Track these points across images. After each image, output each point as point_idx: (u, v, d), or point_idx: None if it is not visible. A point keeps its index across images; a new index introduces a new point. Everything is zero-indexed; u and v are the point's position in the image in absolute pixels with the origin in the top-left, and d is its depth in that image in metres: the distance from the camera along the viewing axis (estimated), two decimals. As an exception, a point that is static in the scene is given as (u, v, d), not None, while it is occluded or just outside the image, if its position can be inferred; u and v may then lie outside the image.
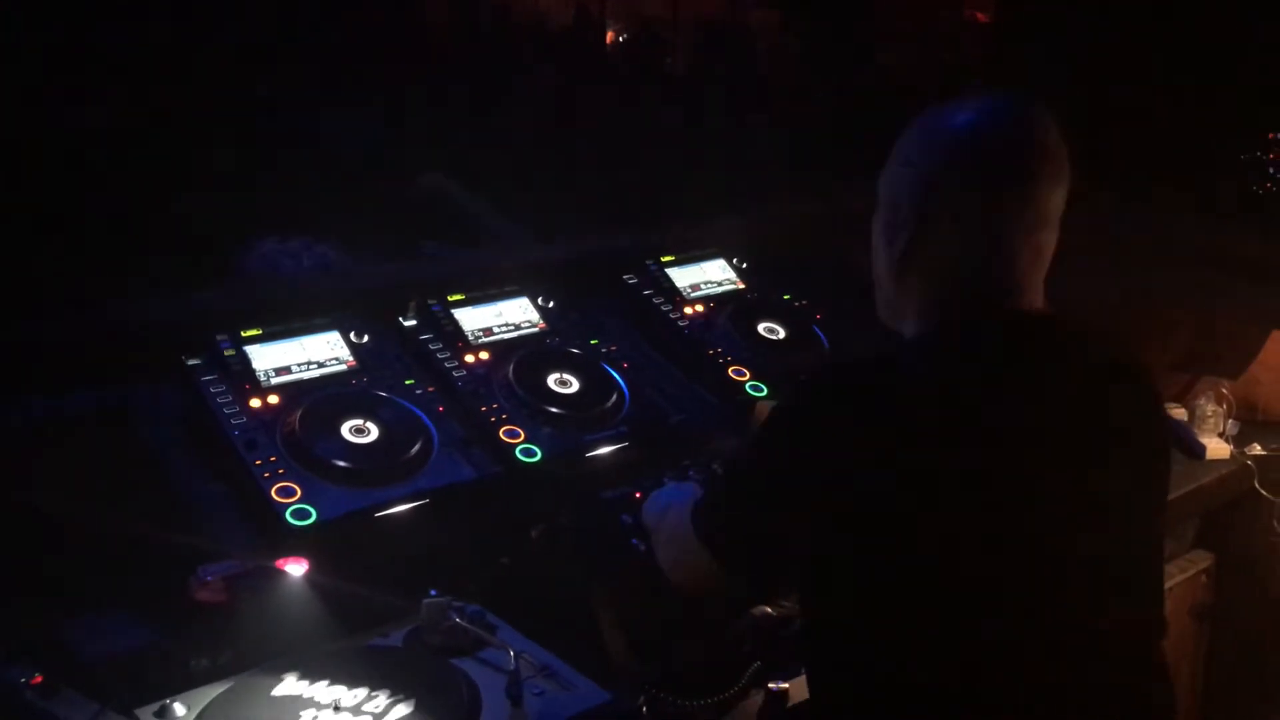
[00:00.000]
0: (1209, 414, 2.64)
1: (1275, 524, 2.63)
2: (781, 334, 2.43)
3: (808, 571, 1.45)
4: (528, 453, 1.98)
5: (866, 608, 1.37)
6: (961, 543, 1.33)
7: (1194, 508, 2.59)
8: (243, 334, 2.02)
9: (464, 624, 1.66)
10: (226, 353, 1.99)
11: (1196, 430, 2.64)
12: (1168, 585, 2.57)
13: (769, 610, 1.87)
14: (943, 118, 1.42)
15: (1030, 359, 1.40)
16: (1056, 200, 1.40)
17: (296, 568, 1.66)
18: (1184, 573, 2.64)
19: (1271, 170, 3.26)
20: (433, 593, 1.69)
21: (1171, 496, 2.41)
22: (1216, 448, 2.61)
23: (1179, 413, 2.72)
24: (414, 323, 2.18)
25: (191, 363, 1.96)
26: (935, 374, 1.38)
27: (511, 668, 1.56)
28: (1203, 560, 2.70)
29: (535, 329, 2.26)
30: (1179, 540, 2.69)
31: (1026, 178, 1.37)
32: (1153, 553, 1.49)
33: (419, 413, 1.99)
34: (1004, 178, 1.38)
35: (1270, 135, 3.34)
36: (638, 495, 1.91)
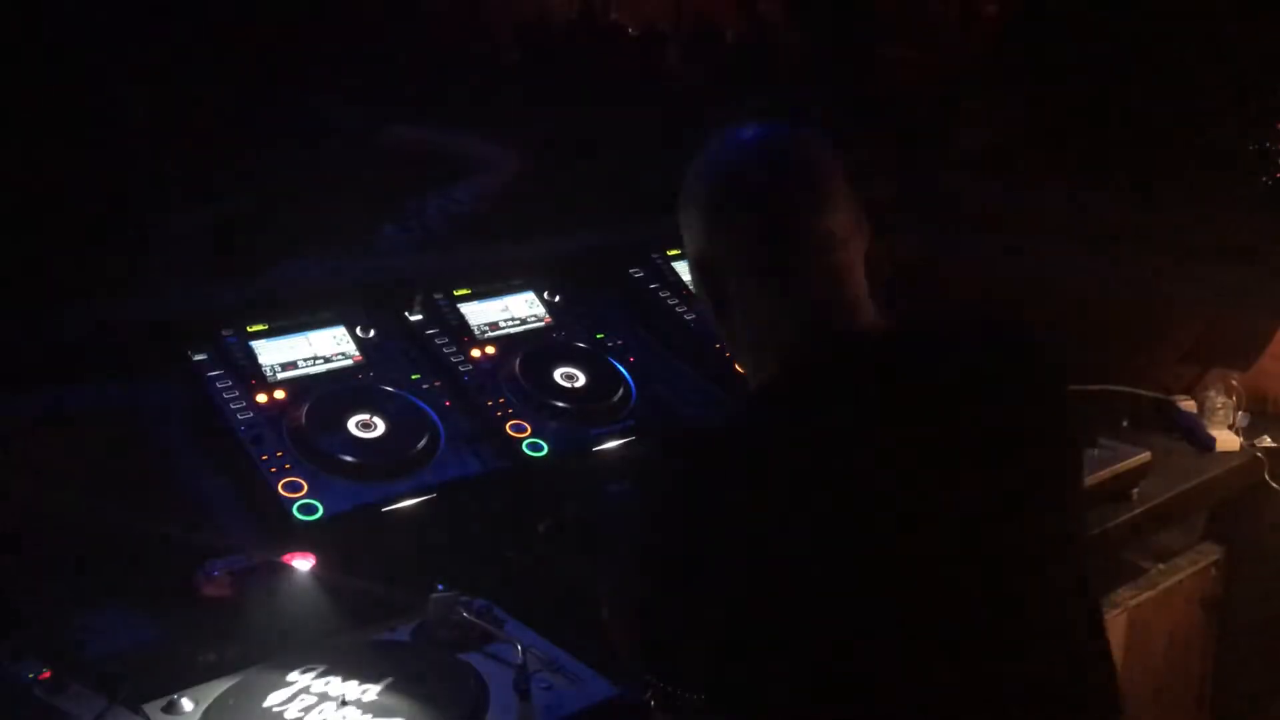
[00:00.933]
0: (1218, 406, 2.63)
1: (1286, 516, 2.62)
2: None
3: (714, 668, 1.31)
4: (534, 447, 1.97)
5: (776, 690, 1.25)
6: (865, 610, 1.22)
7: (1203, 500, 2.58)
8: (249, 329, 2.03)
9: (471, 618, 1.66)
10: (232, 348, 1.99)
11: (1206, 423, 2.63)
12: (1178, 578, 2.56)
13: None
14: (701, 177, 1.39)
15: (874, 380, 1.30)
16: (838, 216, 1.34)
17: (303, 562, 1.65)
18: (1193, 565, 2.63)
19: (1279, 161, 3.25)
20: (440, 587, 1.69)
21: (1181, 490, 2.44)
22: (1226, 440, 2.59)
23: (1189, 405, 2.70)
24: (420, 317, 2.18)
25: (197, 358, 1.96)
26: (784, 427, 1.28)
27: (519, 662, 1.55)
28: (1212, 553, 2.68)
29: (541, 323, 2.26)
30: (1188, 533, 2.68)
31: (794, 209, 1.33)
32: (1063, 544, 1.36)
33: (425, 407, 1.99)
34: (773, 218, 1.33)
35: (1279, 125, 3.33)
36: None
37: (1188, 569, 2.62)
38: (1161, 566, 2.57)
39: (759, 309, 1.36)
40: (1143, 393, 2.68)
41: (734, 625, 1.24)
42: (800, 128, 1.38)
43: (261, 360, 1.99)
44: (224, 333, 2.00)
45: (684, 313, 2.39)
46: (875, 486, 1.23)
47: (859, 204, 1.38)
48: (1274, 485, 2.59)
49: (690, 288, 2.45)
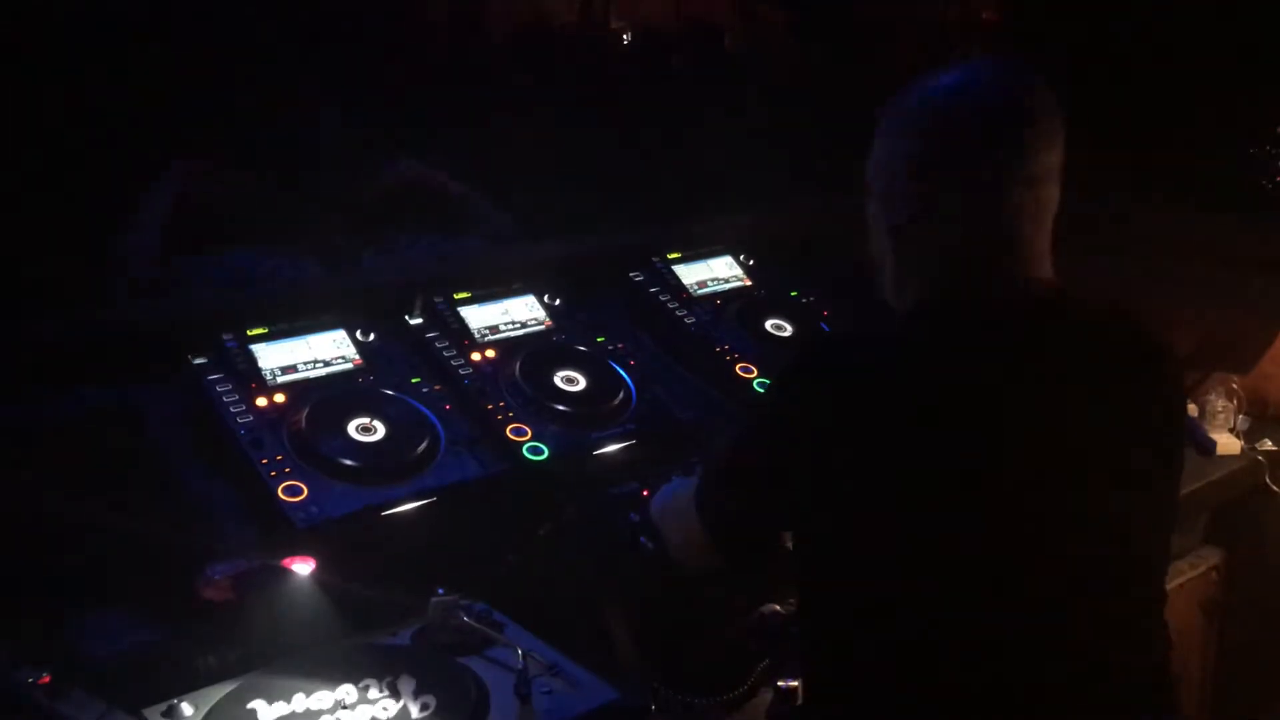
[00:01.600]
0: (1219, 409, 2.63)
1: (1286, 520, 2.62)
2: (789, 330, 2.43)
3: (799, 552, 1.46)
4: (535, 450, 1.97)
5: (856, 590, 1.37)
6: (952, 528, 1.32)
7: (1204, 504, 2.58)
8: (249, 333, 2.02)
9: (472, 622, 1.65)
10: (232, 352, 1.98)
11: (1207, 426, 2.63)
12: (1178, 582, 2.56)
13: (777, 608, 1.87)
14: (924, 90, 1.41)
15: (1033, 333, 1.38)
16: (1050, 159, 1.38)
17: (303, 566, 1.65)
18: (1194, 569, 2.63)
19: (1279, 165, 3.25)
20: (440, 591, 1.68)
21: (1181, 492, 2.43)
22: (1227, 443, 2.59)
23: (1189, 409, 2.70)
24: (420, 321, 2.18)
25: (197, 362, 1.96)
26: (934, 348, 1.36)
27: (520, 666, 1.55)
28: (1213, 556, 2.68)
29: (541, 327, 2.26)
30: (1188, 536, 2.68)
31: (1012, 140, 1.36)
32: (1158, 540, 1.47)
33: (425, 411, 1.99)
34: (987, 143, 1.37)
35: (1278, 130, 3.33)
36: (645, 493, 1.90)
37: (1188, 572, 2.62)
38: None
39: (953, 223, 1.38)
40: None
41: (837, 504, 1.34)
42: (1031, 72, 1.40)
43: (261, 364, 1.99)
44: (224, 336, 2.00)
45: (684, 316, 2.39)
46: (1001, 441, 1.32)
47: (1062, 158, 1.41)
48: (1275, 489, 2.59)
49: (693, 287, 2.47)
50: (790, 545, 1.54)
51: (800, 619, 1.53)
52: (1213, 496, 2.57)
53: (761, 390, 2.23)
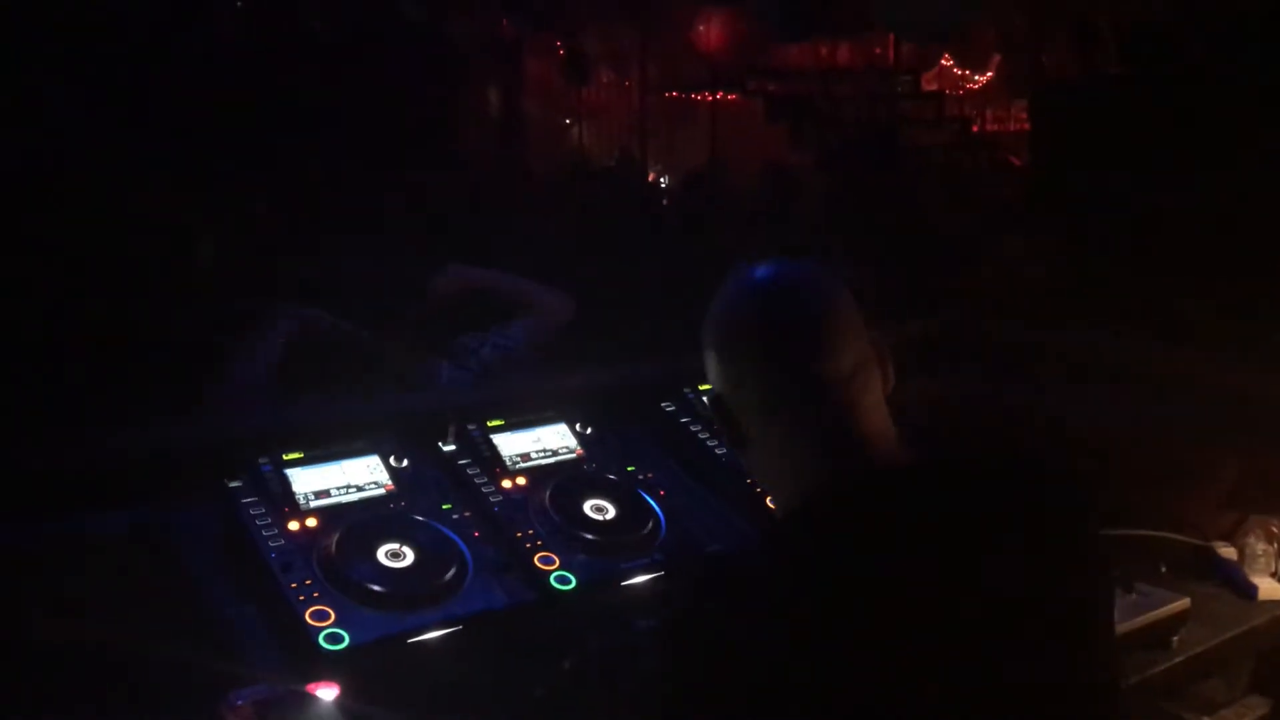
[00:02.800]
0: (1259, 553, 2.58)
1: (1334, 669, 2.54)
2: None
3: None
4: (562, 580, 1.96)
5: None
6: None
7: (1246, 650, 2.51)
8: (284, 456, 2.05)
9: (494, 755, 1.63)
10: (267, 475, 2.01)
11: (1247, 570, 2.57)
12: (1224, 732, 2.48)
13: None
14: (712, 321, 1.45)
15: (892, 517, 1.30)
16: (846, 352, 1.38)
17: (328, 692, 1.64)
18: (1239, 719, 2.54)
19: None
20: (463, 722, 1.67)
21: (1223, 639, 2.38)
22: (1269, 588, 2.53)
23: (1228, 552, 2.65)
24: (453, 447, 2.20)
25: (233, 485, 1.98)
26: (804, 560, 1.30)
27: (541, 801, 1.52)
28: (1259, 706, 2.59)
29: (573, 455, 2.27)
30: (1232, 686, 2.60)
31: (797, 351, 1.37)
32: (1091, 692, 1.35)
33: (455, 538, 1.99)
34: (776, 360, 1.38)
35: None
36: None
37: (1234, 722, 2.54)
38: (1206, 719, 2.49)
39: (774, 448, 1.41)
40: (1181, 538, 2.64)
41: None
42: (806, 265, 1.42)
43: (295, 488, 2.01)
44: (260, 460, 2.03)
45: (715, 446, 2.40)
46: (892, 623, 1.24)
47: (869, 339, 1.41)
48: (1321, 635, 2.53)
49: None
50: None
51: None
52: (1255, 643, 2.50)
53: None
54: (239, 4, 7.72)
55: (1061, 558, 1.35)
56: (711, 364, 1.46)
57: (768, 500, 1.51)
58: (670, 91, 12.39)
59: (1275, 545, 2.60)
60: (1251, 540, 2.60)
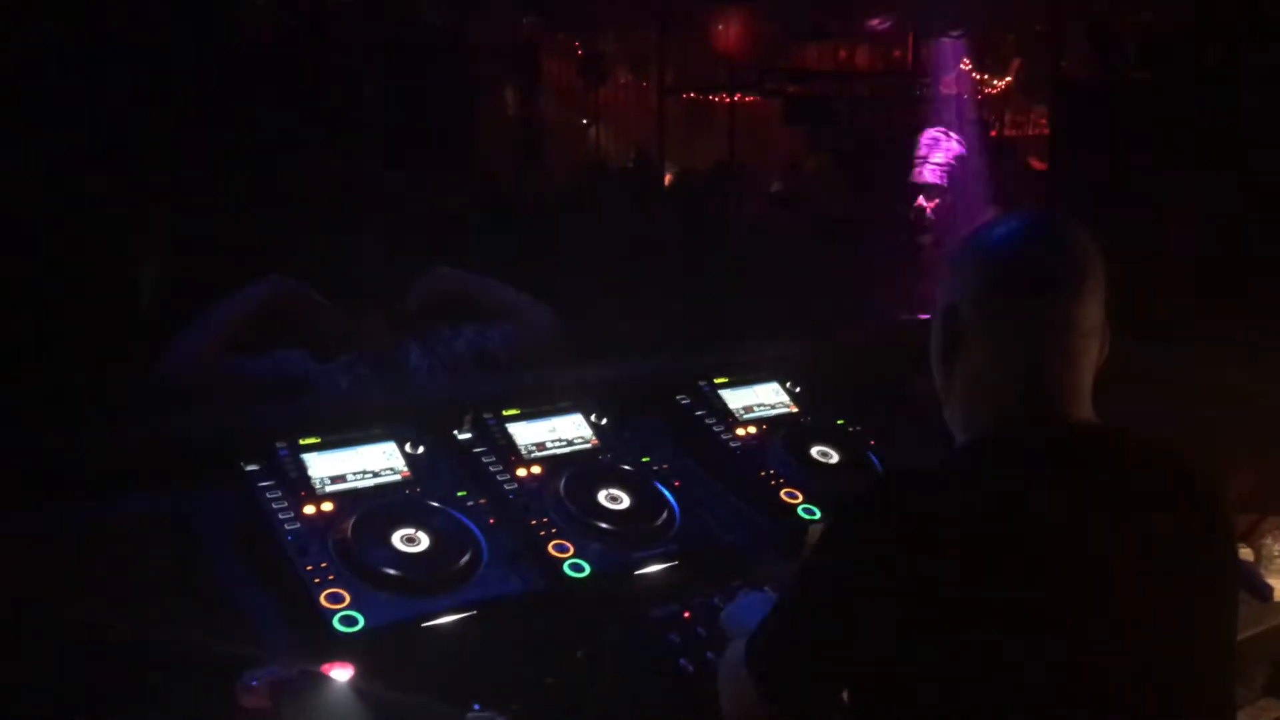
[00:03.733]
0: (1276, 554, 2.57)
1: (1351, 671, 2.52)
2: (835, 458, 2.42)
3: (856, 699, 1.43)
4: (576, 568, 1.97)
5: None
6: (1001, 669, 1.31)
7: (1262, 652, 2.50)
8: (301, 442, 2.06)
9: (506, 740, 1.63)
10: (284, 459, 2.02)
11: (1263, 570, 2.56)
12: (1238, 735, 2.47)
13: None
14: (978, 237, 1.50)
15: (1069, 471, 1.40)
16: (1088, 309, 1.43)
17: (342, 672, 1.65)
18: (1255, 721, 2.53)
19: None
20: (475, 707, 1.67)
21: (1238, 639, 2.36)
22: (1285, 589, 2.52)
23: (1245, 553, 2.64)
24: (468, 436, 2.21)
25: (249, 469, 2.00)
26: (974, 489, 1.38)
27: (553, 785, 1.52)
28: (1275, 708, 2.58)
29: (588, 445, 2.28)
30: (1248, 687, 2.59)
31: (1051, 287, 1.42)
32: (1219, 679, 1.46)
33: (470, 524, 2.00)
34: (1030, 289, 1.42)
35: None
36: (686, 615, 1.89)
37: (1249, 724, 2.52)
38: (1220, 721, 2.47)
39: (989, 367, 1.45)
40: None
41: (899, 647, 1.33)
42: (1079, 225, 1.47)
43: (311, 473, 2.02)
44: (277, 445, 2.04)
45: (729, 440, 2.40)
46: (1043, 580, 1.32)
47: (1107, 307, 1.46)
48: (1337, 638, 2.51)
49: (739, 412, 2.48)
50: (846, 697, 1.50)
51: None
52: (1272, 645, 2.49)
53: (807, 515, 2.22)
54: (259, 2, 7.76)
55: (1209, 525, 1.46)
56: (962, 273, 1.48)
57: (946, 415, 1.53)
58: (688, 93, 12.39)
59: (1292, 546, 2.59)
60: (1268, 541, 2.59)
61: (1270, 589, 2.53)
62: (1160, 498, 1.43)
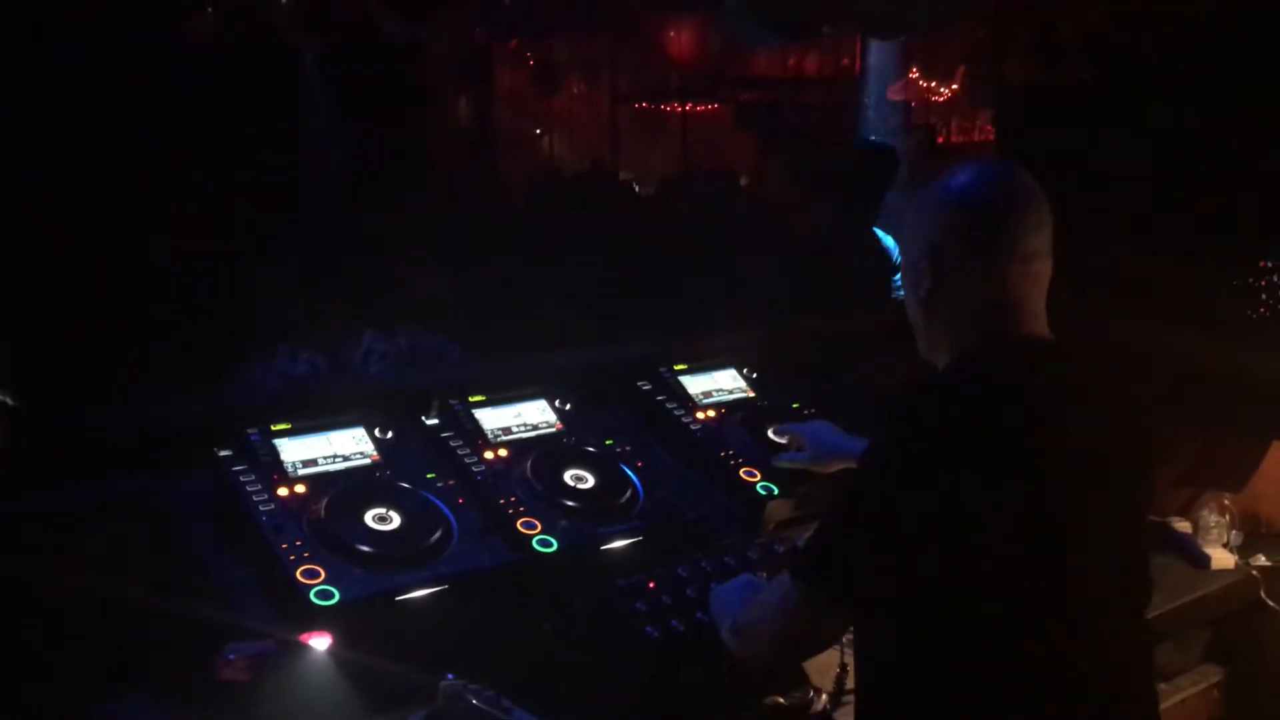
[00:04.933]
0: (1212, 525, 2.68)
1: (1285, 635, 2.64)
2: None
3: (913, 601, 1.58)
4: (544, 543, 2.03)
5: (927, 617, 1.56)
6: (1061, 556, 1.56)
7: (1200, 616, 2.60)
8: (272, 428, 2.10)
9: (480, 706, 1.69)
10: (257, 445, 2.06)
11: (1200, 541, 2.68)
12: (1179, 699, 2.57)
13: (780, 700, 1.90)
14: (944, 185, 1.72)
15: (1041, 376, 1.64)
16: (1041, 238, 1.67)
17: (320, 641, 1.70)
18: (1195, 685, 2.63)
19: (1264, 296, 3.37)
20: (449, 676, 1.72)
21: (1177, 604, 2.47)
22: (1221, 558, 2.64)
23: (1183, 526, 2.75)
24: (436, 421, 2.26)
25: (223, 454, 2.04)
26: (968, 394, 1.60)
27: (526, 745, 1.58)
28: (1213, 674, 2.69)
29: (552, 429, 2.34)
30: (1187, 654, 2.69)
31: (1012, 224, 1.65)
32: (1141, 556, 1.73)
33: (439, 503, 2.06)
34: (992, 227, 1.65)
35: (1262, 264, 3.45)
36: (651, 585, 1.96)
37: (1189, 689, 2.62)
38: (1163, 685, 2.57)
39: (970, 292, 1.67)
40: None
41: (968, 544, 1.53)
42: (1025, 173, 1.70)
43: (284, 457, 2.06)
44: (249, 431, 2.08)
45: (689, 423, 2.47)
46: (1036, 473, 1.55)
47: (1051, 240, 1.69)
48: (1271, 605, 2.62)
49: (698, 397, 2.56)
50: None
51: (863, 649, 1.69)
52: (1209, 611, 2.59)
53: (764, 492, 2.29)
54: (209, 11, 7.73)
55: (1137, 430, 1.72)
56: (935, 219, 1.70)
57: (928, 345, 1.75)
58: (640, 101, 12.49)
59: (1227, 518, 2.70)
60: (1205, 514, 2.70)
61: (1207, 558, 2.64)
62: (1121, 409, 1.70)
